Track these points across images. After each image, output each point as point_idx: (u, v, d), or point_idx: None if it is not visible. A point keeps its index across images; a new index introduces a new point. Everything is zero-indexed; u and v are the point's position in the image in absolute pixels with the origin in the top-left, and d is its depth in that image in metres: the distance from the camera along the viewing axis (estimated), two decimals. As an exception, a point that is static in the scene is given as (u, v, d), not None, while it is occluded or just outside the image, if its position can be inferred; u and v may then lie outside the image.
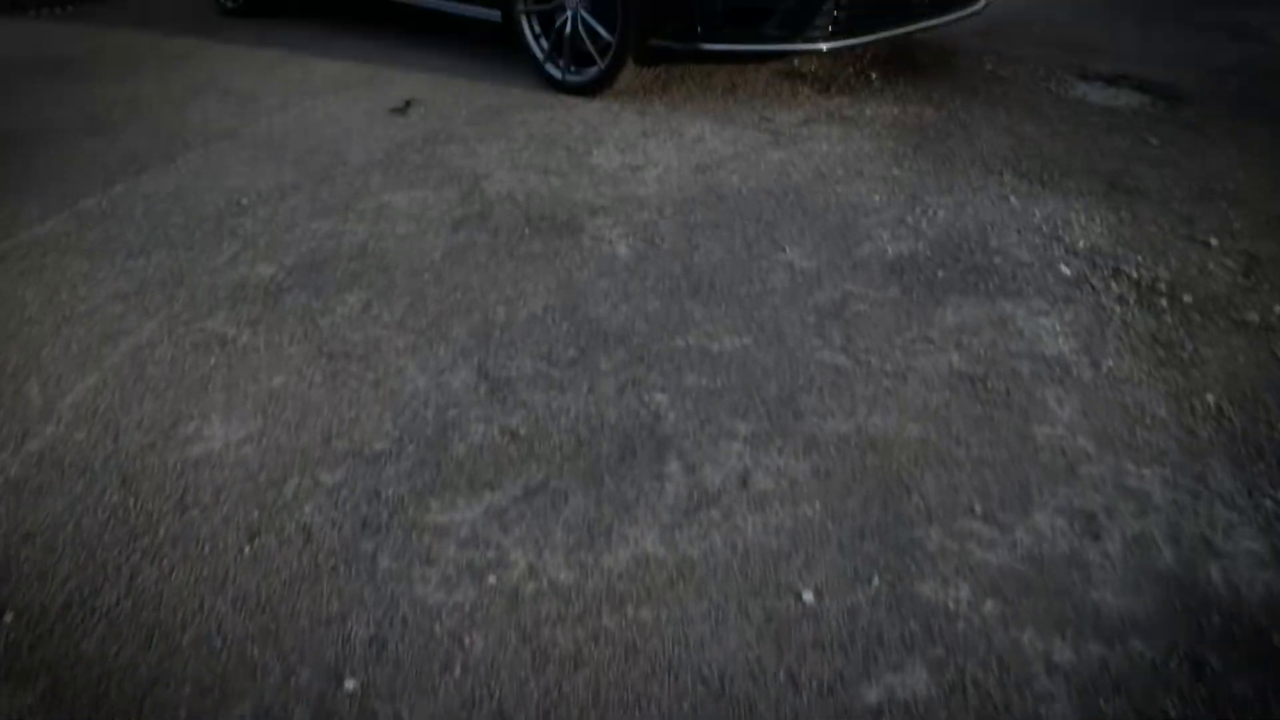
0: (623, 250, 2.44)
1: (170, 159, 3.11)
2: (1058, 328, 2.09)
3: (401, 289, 2.29)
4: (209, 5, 5.40)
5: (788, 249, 2.43)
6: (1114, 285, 2.25)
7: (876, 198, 2.71)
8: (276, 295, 2.28)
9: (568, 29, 3.52)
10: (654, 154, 3.04)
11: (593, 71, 3.52)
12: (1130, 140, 3.12)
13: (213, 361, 2.03)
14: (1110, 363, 1.97)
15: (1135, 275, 2.29)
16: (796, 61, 3.85)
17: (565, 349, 2.04)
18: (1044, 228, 2.53)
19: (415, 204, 2.73)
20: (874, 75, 3.83)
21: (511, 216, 2.64)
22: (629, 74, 3.47)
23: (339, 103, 3.64)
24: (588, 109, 3.47)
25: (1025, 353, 2.01)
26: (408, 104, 3.60)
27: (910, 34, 3.54)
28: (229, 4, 5.24)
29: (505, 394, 1.91)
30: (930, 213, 2.62)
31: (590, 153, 3.06)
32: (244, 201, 2.79)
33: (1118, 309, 2.16)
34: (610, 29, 3.38)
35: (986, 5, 3.94)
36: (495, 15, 3.77)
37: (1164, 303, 2.18)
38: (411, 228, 2.59)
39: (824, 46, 3.29)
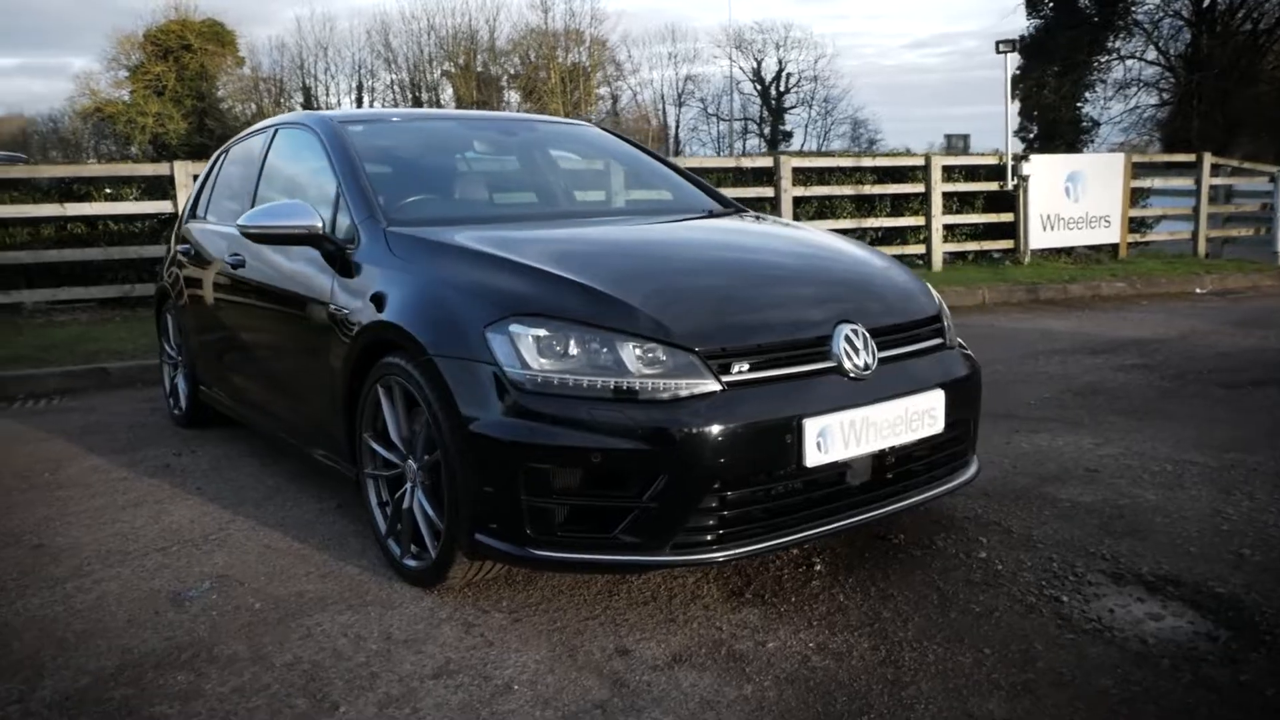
0: None
1: None
2: None
3: None
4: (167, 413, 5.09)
5: None
6: None
7: None
8: None
9: (405, 502, 2.79)
10: (426, 721, 2.13)
11: (426, 560, 2.73)
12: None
13: None
14: None
15: None
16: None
17: None
18: None
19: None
20: (819, 565, 2.90)
21: None
22: (467, 568, 2.65)
23: (135, 579, 2.94)
24: (411, 610, 2.64)
25: None
26: (208, 584, 2.86)
27: (861, 525, 2.65)
28: (175, 412, 4.89)
29: None
30: None
31: (336, 708, 2.18)
32: None
33: None
34: (441, 513, 2.63)
35: (976, 475, 3.06)
36: (352, 472, 3.11)
37: None
38: None
39: (720, 556, 2.42)
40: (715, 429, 2.35)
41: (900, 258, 10.40)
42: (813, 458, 2.45)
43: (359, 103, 37.53)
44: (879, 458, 2.65)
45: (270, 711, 2.17)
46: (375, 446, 2.91)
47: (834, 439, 2.49)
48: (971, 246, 10.78)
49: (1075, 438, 4.31)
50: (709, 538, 2.42)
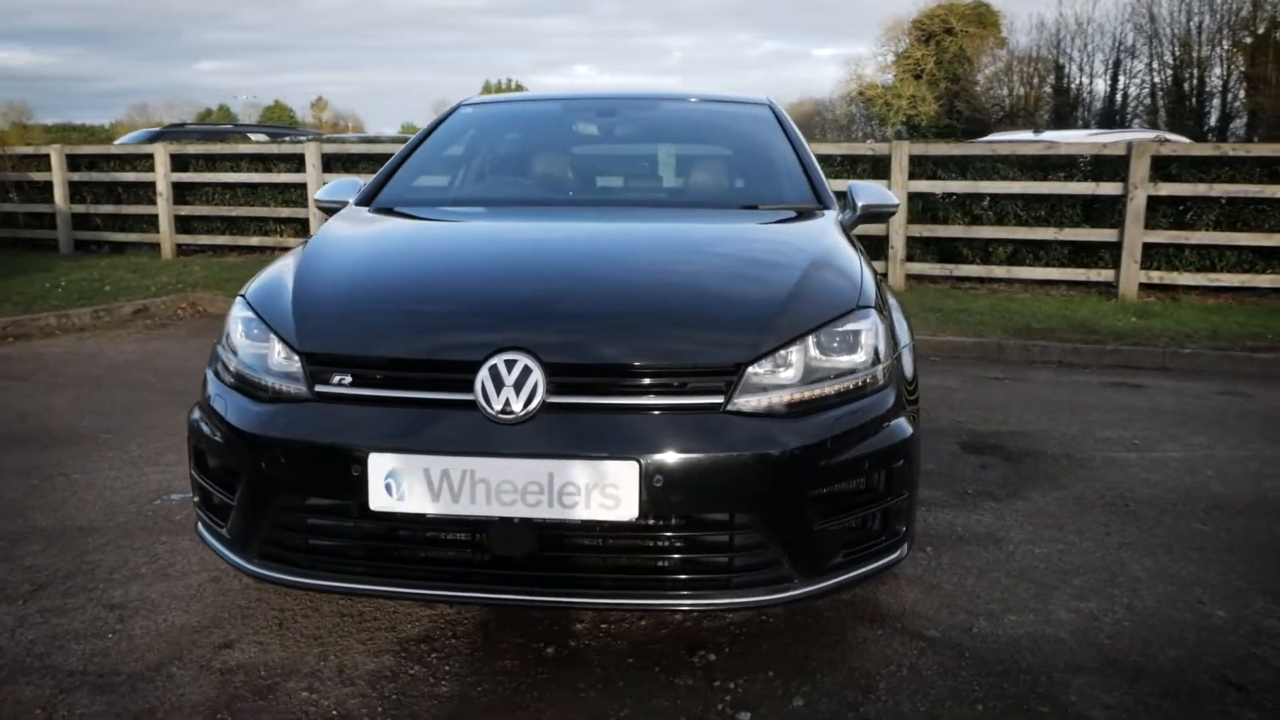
0: None
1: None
2: None
3: None
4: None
5: None
6: None
7: None
8: None
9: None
10: None
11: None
12: None
13: None
14: None
15: None
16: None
17: None
18: None
19: None
20: (550, 650, 2.37)
21: None
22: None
23: (174, 478, 3.69)
24: (204, 558, 2.91)
25: None
26: (203, 493, 3.47)
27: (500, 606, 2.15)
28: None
29: None
30: None
31: (29, 599, 2.60)
32: None
33: None
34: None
35: (764, 603, 2.17)
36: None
37: None
38: None
39: (297, 581, 2.24)
40: (283, 439, 2.18)
41: None
42: (379, 501, 2.08)
43: (1113, 83, 34.61)
44: (544, 533, 2.08)
45: (14, 585, 2.70)
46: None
47: (412, 487, 2.06)
48: None
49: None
50: (297, 559, 2.23)
